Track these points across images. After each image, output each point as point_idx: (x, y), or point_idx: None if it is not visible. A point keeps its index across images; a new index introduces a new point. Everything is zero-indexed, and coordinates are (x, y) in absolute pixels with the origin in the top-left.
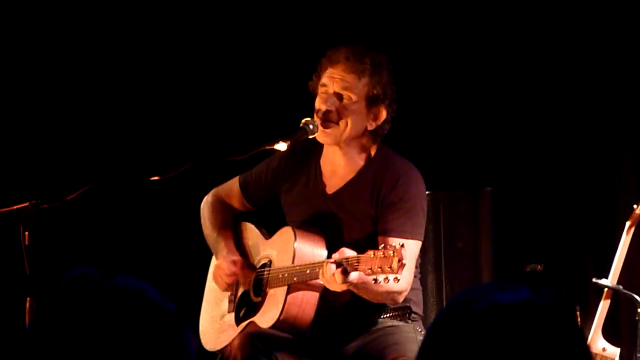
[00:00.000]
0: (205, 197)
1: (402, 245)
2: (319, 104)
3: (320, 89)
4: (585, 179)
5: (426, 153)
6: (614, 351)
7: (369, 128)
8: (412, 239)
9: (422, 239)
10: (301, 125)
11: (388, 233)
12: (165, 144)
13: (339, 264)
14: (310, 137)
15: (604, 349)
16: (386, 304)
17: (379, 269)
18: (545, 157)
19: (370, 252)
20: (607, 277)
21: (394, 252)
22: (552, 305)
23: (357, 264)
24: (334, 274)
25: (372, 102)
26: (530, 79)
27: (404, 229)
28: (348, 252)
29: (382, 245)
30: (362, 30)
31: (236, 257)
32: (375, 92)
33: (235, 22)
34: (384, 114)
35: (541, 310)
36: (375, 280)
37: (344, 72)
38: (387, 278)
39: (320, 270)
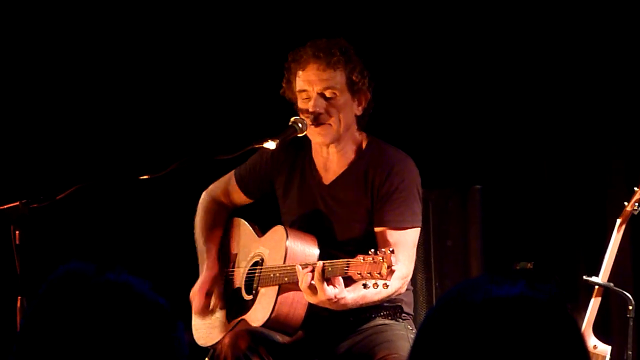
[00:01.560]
0: (202, 195)
1: (392, 252)
2: (303, 104)
3: (301, 95)
4: (575, 176)
5: (415, 151)
6: (605, 349)
7: (357, 114)
8: (412, 227)
9: (421, 224)
10: (290, 123)
11: (386, 224)
12: (154, 143)
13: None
14: (300, 135)
15: (594, 347)
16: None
17: (368, 274)
18: (535, 154)
19: (360, 257)
20: (597, 275)
21: (383, 258)
22: (549, 300)
23: (346, 268)
24: (310, 283)
25: (354, 89)
26: (519, 77)
27: (402, 218)
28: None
29: (372, 251)
30: (348, 27)
31: (212, 274)
32: (354, 78)
33: (222, 22)
34: (367, 97)
35: (537, 305)
36: (365, 285)
37: (318, 70)
38: (376, 284)
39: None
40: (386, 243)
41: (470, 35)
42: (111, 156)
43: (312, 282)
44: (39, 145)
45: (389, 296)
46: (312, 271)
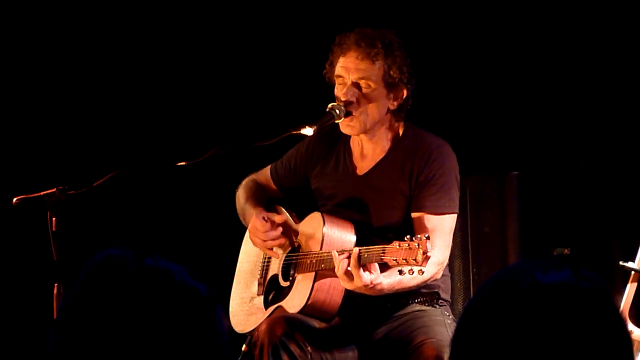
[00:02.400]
0: (241, 182)
1: (428, 238)
2: (338, 93)
3: (337, 80)
4: (611, 162)
5: (452, 137)
6: None
7: (392, 108)
8: (449, 213)
9: (458, 211)
10: (327, 109)
11: (424, 209)
12: (192, 130)
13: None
14: (337, 121)
15: (631, 332)
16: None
17: (404, 260)
18: (571, 140)
19: (396, 243)
20: (634, 260)
21: (419, 245)
22: (593, 288)
23: (382, 254)
24: (346, 269)
25: (390, 84)
26: (555, 62)
27: (440, 204)
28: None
29: (408, 237)
30: (388, 13)
31: (267, 214)
32: (392, 73)
33: (261, 7)
34: (404, 93)
35: (582, 293)
36: (400, 271)
37: (357, 59)
38: (411, 270)
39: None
40: (423, 228)
41: (507, 19)
42: (148, 142)
43: (349, 268)
44: (77, 132)
45: (425, 282)
46: (349, 257)
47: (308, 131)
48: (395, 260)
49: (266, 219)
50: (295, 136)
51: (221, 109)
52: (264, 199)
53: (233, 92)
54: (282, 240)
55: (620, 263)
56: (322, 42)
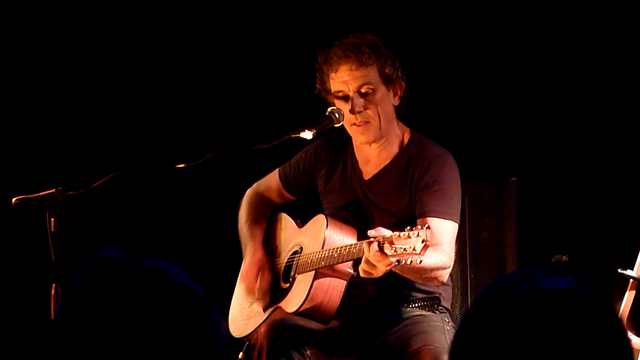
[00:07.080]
0: (247, 192)
1: (428, 227)
2: (341, 104)
3: (337, 94)
4: (611, 169)
5: (452, 142)
6: (639, 342)
7: (395, 104)
8: (448, 219)
9: (458, 222)
10: (327, 113)
11: (425, 214)
12: (191, 132)
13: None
14: (336, 125)
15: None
16: (415, 293)
17: (403, 250)
18: (571, 147)
19: (396, 234)
20: (632, 268)
21: (417, 234)
22: (596, 297)
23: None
24: (375, 252)
25: (388, 81)
26: (554, 68)
27: (439, 209)
28: (384, 231)
29: (408, 227)
30: (380, 21)
31: (259, 255)
32: (387, 71)
33: (261, 9)
34: (402, 85)
35: (585, 301)
36: (398, 262)
37: (351, 70)
38: (411, 260)
39: (362, 249)
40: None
41: (505, 24)
42: (148, 144)
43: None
44: (76, 133)
45: (430, 270)
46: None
47: (307, 135)
48: (395, 251)
49: (259, 269)
50: (294, 140)
51: (221, 112)
52: (266, 215)
53: (233, 95)
54: (265, 298)
55: (619, 271)
56: (323, 45)
